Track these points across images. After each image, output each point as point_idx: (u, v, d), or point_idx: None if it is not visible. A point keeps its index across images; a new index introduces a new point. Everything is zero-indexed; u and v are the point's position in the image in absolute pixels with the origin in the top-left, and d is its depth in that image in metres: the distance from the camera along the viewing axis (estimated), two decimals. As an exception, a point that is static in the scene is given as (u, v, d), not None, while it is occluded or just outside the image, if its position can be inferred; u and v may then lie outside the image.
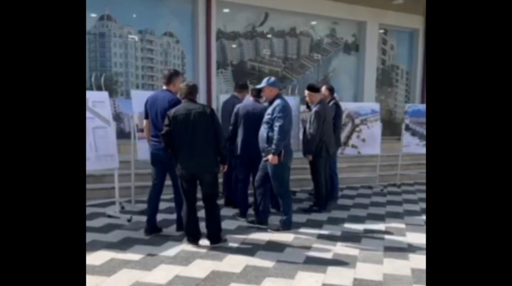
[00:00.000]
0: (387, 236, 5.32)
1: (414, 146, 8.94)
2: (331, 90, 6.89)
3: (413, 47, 12.37)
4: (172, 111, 4.56)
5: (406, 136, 8.90)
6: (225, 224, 5.39)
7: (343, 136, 7.93)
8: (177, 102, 4.79)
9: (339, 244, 4.97)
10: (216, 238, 4.72)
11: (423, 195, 8.00)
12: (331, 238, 5.16)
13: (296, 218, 5.97)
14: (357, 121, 8.36)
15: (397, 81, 12.59)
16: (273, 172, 5.30)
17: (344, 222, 5.91)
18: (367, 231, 5.54)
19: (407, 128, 8.89)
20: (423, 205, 7.16)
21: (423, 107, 9.45)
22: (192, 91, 4.69)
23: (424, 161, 9.86)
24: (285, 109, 5.23)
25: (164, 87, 5.03)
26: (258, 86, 5.53)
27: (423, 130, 8.78)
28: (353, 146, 8.37)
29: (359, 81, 11.63)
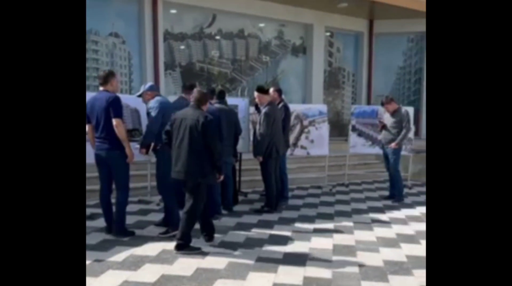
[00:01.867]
0: (336, 235, 5.42)
1: (361, 146, 9.17)
2: (279, 92, 6.94)
3: (359, 49, 12.71)
4: (176, 113, 4.70)
5: (352, 137, 9.10)
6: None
7: (292, 137, 8.02)
8: (115, 99, 4.80)
9: (289, 243, 5.01)
10: (184, 244, 4.60)
11: (370, 194, 8.22)
12: (282, 238, 5.20)
13: (248, 219, 5.99)
14: (305, 122, 8.48)
15: (344, 83, 12.90)
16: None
17: (295, 222, 5.96)
18: (316, 230, 5.62)
19: (354, 129, 9.10)
20: (370, 203, 7.36)
21: (368, 108, 9.72)
22: (201, 98, 4.70)
23: (370, 161, 10.28)
24: (159, 105, 5.20)
25: (101, 88, 4.98)
26: (137, 94, 5.62)
27: (369, 131, 9.01)
28: (302, 147, 8.49)
29: (307, 83, 11.82)
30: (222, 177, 4.82)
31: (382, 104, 7.83)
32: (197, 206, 4.61)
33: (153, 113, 5.17)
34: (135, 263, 4.26)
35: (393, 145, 7.44)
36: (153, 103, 5.23)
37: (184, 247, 4.57)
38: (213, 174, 4.64)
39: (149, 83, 5.85)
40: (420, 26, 12.14)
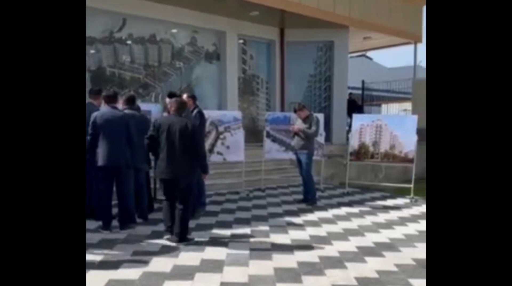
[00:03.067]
0: (252, 239, 5.45)
1: (275, 152, 9.36)
2: (193, 98, 6.86)
3: (271, 57, 12.96)
4: (157, 121, 5.28)
5: (267, 143, 9.27)
6: (88, 238, 5.04)
7: (208, 143, 7.98)
8: None
9: (207, 249, 4.96)
10: (184, 236, 5.21)
11: (286, 198, 8.40)
12: (199, 244, 5.13)
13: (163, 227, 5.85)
14: (220, 128, 8.48)
15: (258, 90, 13.10)
16: None
17: (212, 228, 5.92)
18: (234, 235, 5.62)
19: (268, 135, 9.27)
20: (285, 207, 7.51)
21: (281, 114, 9.96)
22: (181, 106, 5.37)
23: (285, 166, 10.49)
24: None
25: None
26: None
27: (282, 136, 9.22)
28: (219, 153, 8.47)
29: (222, 89, 11.84)
30: (206, 177, 5.64)
31: (295, 111, 8.07)
32: (192, 201, 5.47)
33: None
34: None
35: (295, 127, 7.70)
36: None
37: (185, 239, 5.21)
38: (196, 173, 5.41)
39: None
40: (328, 35, 12.76)
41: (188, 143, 5.09)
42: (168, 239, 5.27)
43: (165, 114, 7.18)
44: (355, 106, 14.97)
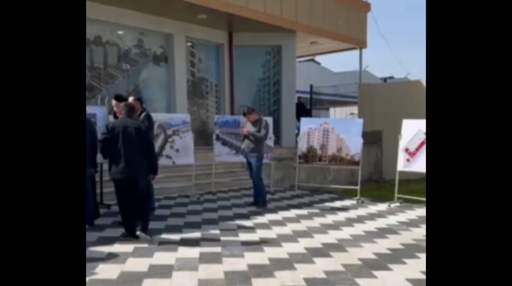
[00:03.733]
0: (203, 243, 5.41)
1: (225, 155, 9.36)
2: (140, 100, 6.71)
3: (220, 61, 12.94)
4: (110, 124, 5.42)
5: (217, 146, 9.24)
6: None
7: (156, 146, 7.82)
8: None
9: (156, 255, 4.87)
10: (146, 228, 5.49)
11: (236, 201, 8.39)
12: (148, 250, 5.02)
13: (111, 232, 5.70)
14: (169, 131, 8.38)
15: (208, 93, 13.05)
16: None
17: (162, 233, 5.82)
18: (183, 239, 5.55)
19: (218, 138, 9.25)
20: (236, 210, 7.50)
21: (231, 118, 9.97)
22: (132, 109, 5.61)
23: (236, 169, 10.49)
24: None
25: None
26: None
27: (232, 140, 9.22)
28: (167, 157, 8.36)
29: (171, 92, 11.70)
30: (155, 177, 5.80)
31: (244, 114, 8.09)
32: (149, 199, 5.87)
33: None
34: None
35: (245, 130, 7.74)
36: None
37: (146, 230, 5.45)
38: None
39: None
40: (276, 39, 12.91)
41: (144, 143, 5.37)
42: (139, 236, 5.39)
43: (111, 117, 7.02)
44: (304, 110, 15.22)
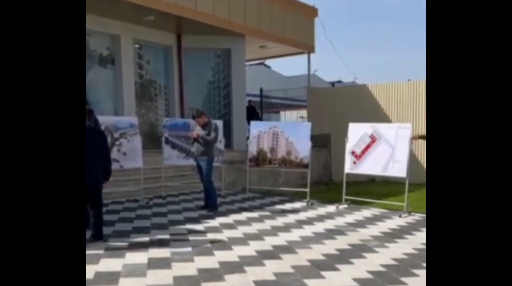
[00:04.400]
0: (151, 248, 5.30)
1: (175, 158, 9.24)
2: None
3: (168, 63, 12.78)
4: None
5: (166, 149, 9.12)
6: None
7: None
8: None
9: (102, 261, 4.74)
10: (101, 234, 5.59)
11: (187, 205, 8.31)
12: (93, 257, 4.87)
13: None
14: (116, 134, 8.18)
15: (157, 96, 12.84)
16: None
17: (109, 239, 5.66)
18: (131, 245, 5.43)
19: (167, 141, 9.12)
20: (186, 214, 7.42)
21: (180, 121, 9.87)
22: (88, 112, 5.73)
23: (186, 172, 10.37)
24: None
25: None
26: None
27: (181, 143, 9.13)
28: (115, 160, 8.13)
29: (118, 94, 11.42)
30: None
31: (193, 117, 8.03)
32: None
33: None
34: None
35: (194, 134, 7.70)
36: None
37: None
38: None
39: None
40: (225, 43, 12.92)
41: (103, 146, 5.66)
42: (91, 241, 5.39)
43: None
44: (255, 113, 15.29)
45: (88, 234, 5.44)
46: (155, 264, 4.69)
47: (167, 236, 5.90)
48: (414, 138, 8.03)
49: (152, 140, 11.44)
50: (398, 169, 7.87)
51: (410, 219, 7.41)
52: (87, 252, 5.03)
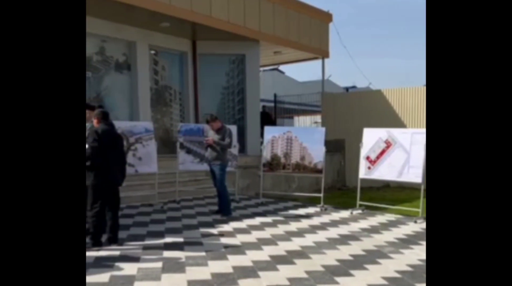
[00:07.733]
0: (166, 252, 5.34)
1: (190, 163, 9.29)
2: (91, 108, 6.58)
3: (183, 69, 12.86)
4: (99, 130, 5.41)
5: (181, 154, 9.17)
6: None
7: (118, 155, 7.72)
8: None
9: (117, 264, 4.78)
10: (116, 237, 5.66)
11: (201, 209, 8.34)
12: (109, 260, 4.92)
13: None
14: (131, 140, 8.26)
15: (172, 101, 12.92)
16: None
17: (123, 242, 5.71)
18: (146, 249, 5.47)
19: (182, 146, 9.18)
20: (200, 218, 7.46)
21: (195, 126, 9.92)
22: (106, 116, 5.70)
23: (200, 177, 10.42)
24: None
25: None
26: None
27: (196, 148, 9.18)
28: (130, 165, 8.21)
29: (134, 100, 11.54)
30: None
31: (207, 122, 8.08)
32: None
33: None
34: None
35: (210, 139, 7.72)
36: None
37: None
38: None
39: None
40: (239, 48, 12.97)
41: (122, 151, 5.84)
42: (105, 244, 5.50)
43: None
44: (269, 119, 15.31)
45: (104, 237, 5.51)
46: (169, 268, 4.72)
47: (181, 240, 5.93)
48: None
49: (167, 145, 11.53)
50: (414, 175, 7.82)
51: (425, 225, 7.34)
52: (102, 255, 5.11)
